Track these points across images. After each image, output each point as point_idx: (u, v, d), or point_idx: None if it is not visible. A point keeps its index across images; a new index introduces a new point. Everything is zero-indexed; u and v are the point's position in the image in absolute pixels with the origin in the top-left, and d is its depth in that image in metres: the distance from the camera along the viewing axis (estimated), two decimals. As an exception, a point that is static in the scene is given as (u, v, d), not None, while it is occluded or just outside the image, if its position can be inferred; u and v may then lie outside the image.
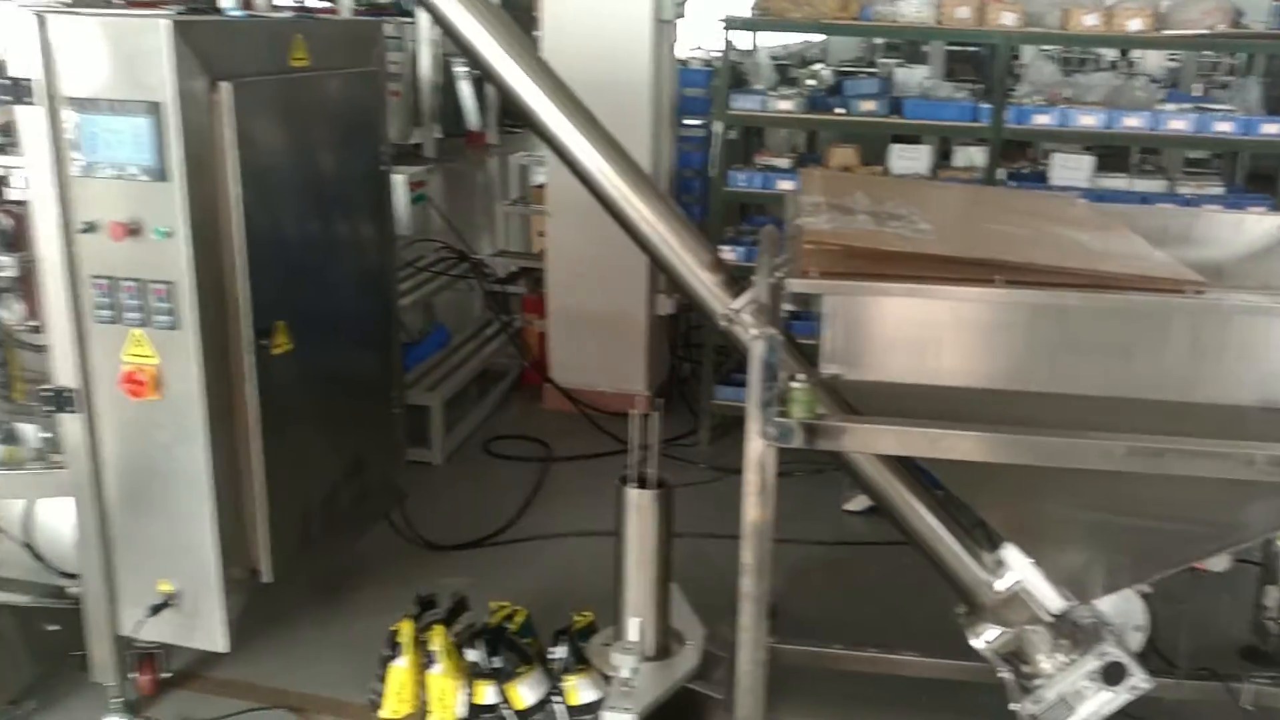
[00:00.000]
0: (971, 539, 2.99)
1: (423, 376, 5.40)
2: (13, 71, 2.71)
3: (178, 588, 3.12)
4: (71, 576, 3.34)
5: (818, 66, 6.63)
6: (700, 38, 8.78)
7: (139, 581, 3.14)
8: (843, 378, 2.61)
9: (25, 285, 3.08)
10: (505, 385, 6.11)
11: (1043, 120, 4.97)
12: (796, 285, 2.51)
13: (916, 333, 2.60)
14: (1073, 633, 2.90)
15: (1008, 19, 4.97)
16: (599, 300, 5.69)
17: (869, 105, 5.15)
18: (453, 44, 3.05)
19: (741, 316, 2.96)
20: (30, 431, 3.11)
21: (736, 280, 3.05)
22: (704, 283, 3.05)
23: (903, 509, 3.01)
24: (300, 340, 3.23)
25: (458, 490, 4.98)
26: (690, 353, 6.28)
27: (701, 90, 6.01)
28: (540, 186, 7.47)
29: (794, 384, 2.52)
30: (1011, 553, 2.91)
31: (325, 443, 3.52)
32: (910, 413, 2.57)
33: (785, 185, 5.17)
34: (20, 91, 2.72)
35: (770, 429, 2.52)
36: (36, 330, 3.15)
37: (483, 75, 3.00)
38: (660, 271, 3.27)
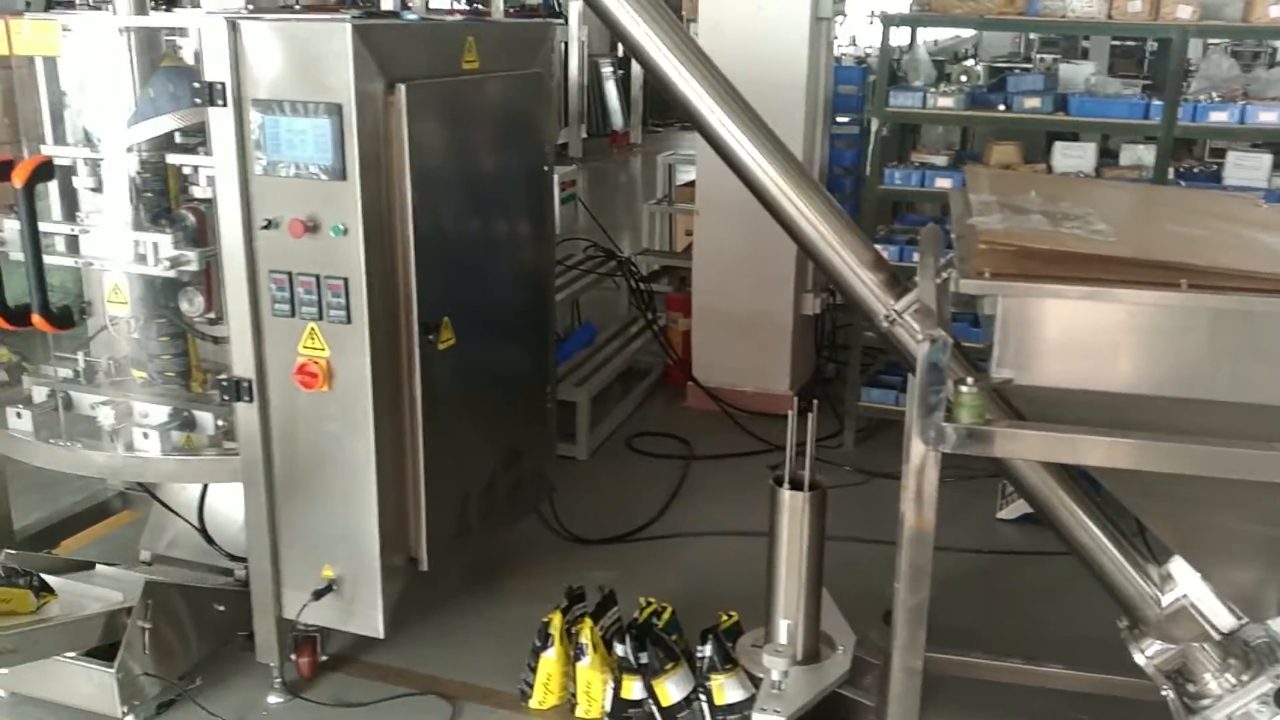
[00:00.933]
0: (1135, 550, 2.88)
1: (570, 372, 5.47)
2: (207, 75, 2.83)
3: (339, 574, 3.22)
4: (239, 560, 3.50)
5: (971, 62, 6.48)
6: (852, 33, 8.65)
7: (303, 566, 3.25)
8: (1014, 382, 2.53)
9: (206, 279, 3.23)
10: (649, 383, 6.14)
11: (1219, 117, 4.74)
12: (969, 286, 2.44)
13: (1093, 337, 2.50)
14: (1244, 653, 2.76)
15: (1183, 12, 4.75)
16: (744, 299, 5.66)
17: (1033, 102, 4.99)
18: (618, 40, 3.06)
19: (905, 318, 2.90)
20: (207, 419, 3.25)
21: (898, 280, 2.99)
22: (865, 282, 2.99)
23: (1066, 518, 2.91)
24: (462, 335, 3.31)
25: (602, 485, 5.03)
26: (835, 353, 6.21)
27: (854, 87, 5.92)
28: (686, 185, 7.49)
29: (963, 388, 2.46)
30: (1180, 566, 2.79)
31: (483, 435, 3.59)
32: (1083, 420, 2.48)
33: (943, 183, 5.06)
34: (213, 95, 2.84)
35: (936, 434, 2.46)
36: (213, 322, 3.31)
37: (645, 71, 3.01)
38: (820, 270, 3.23)
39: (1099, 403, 2.51)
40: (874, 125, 5.12)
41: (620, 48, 16.77)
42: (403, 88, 2.94)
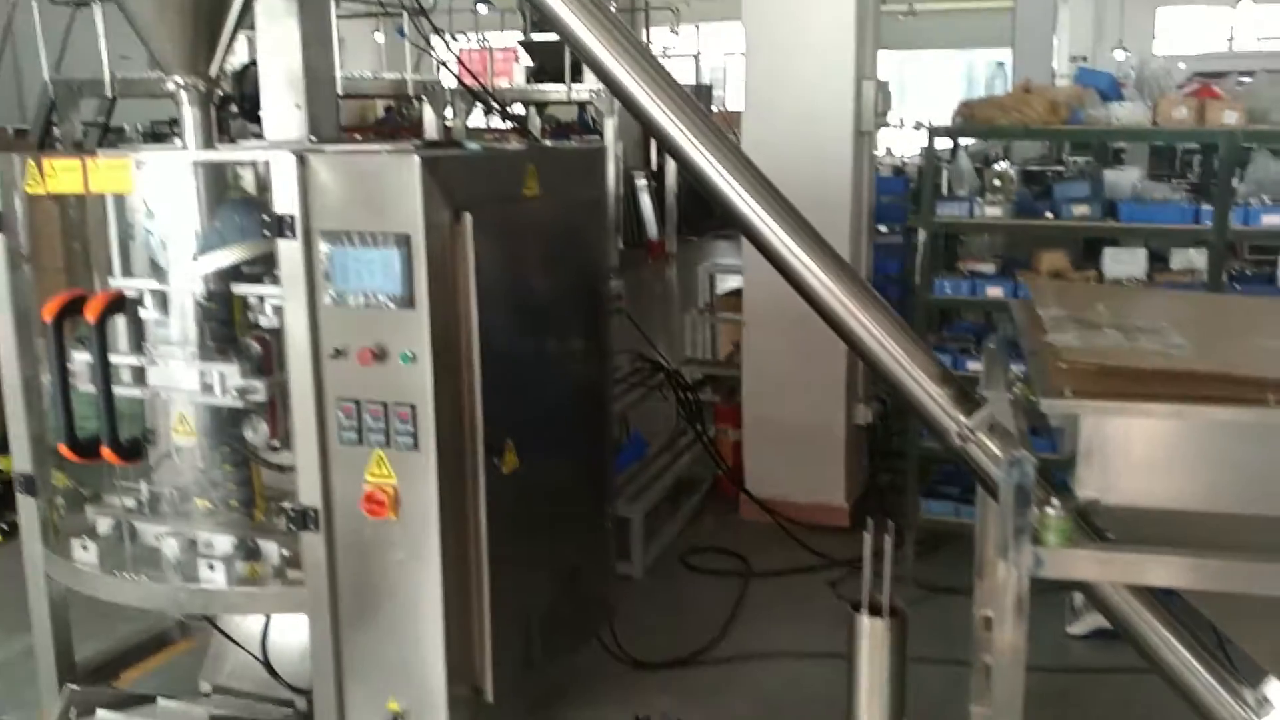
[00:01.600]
0: (1226, 671, 2.77)
1: (622, 488, 5.41)
2: (276, 208, 2.87)
3: (404, 706, 3.14)
4: (301, 691, 3.43)
5: (1005, 164, 6.52)
6: (888, 143, 8.74)
7: (367, 699, 3.18)
8: (1101, 503, 2.47)
9: (270, 407, 3.23)
10: (700, 495, 6.07)
11: (1273, 220, 4.72)
12: (1053, 407, 2.40)
13: (1180, 455, 2.45)
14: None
15: (1230, 117, 4.76)
16: (795, 409, 5.62)
17: (1081, 209, 4.99)
18: (674, 158, 3.09)
19: (979, 435, 2.85)
20: (272, 549, 3.22)
21: (967, 394, 2.94)
22: (934, 397, 2.95)
23: (1150, 637, 2.80)
24: (525, 456, 3.28)
25: (659, 604, 4.93)
26: (889, 462, 6.13)
27: (896, 197, 5.97)
28: (729, 294, 7.52)
29: (1050, 511, 2.39)
30: (1276, 689, 2.68)
31: (545, 559, 3.54)
32: (1171, 539, 2.40)
33: (994, 291, 5.04)
34: (282, 227, 2.88)
35: (1024, 559, 2.39)
36: (276, 449, 3.30)
37: (695, 183, 3.03)
38: (885, 385, 3.19)
39: (1187, 521, 2.44)
40: (920, 235, 5.14)
41: (654, 161, 17.10)
42: (468, 216, 2.98)
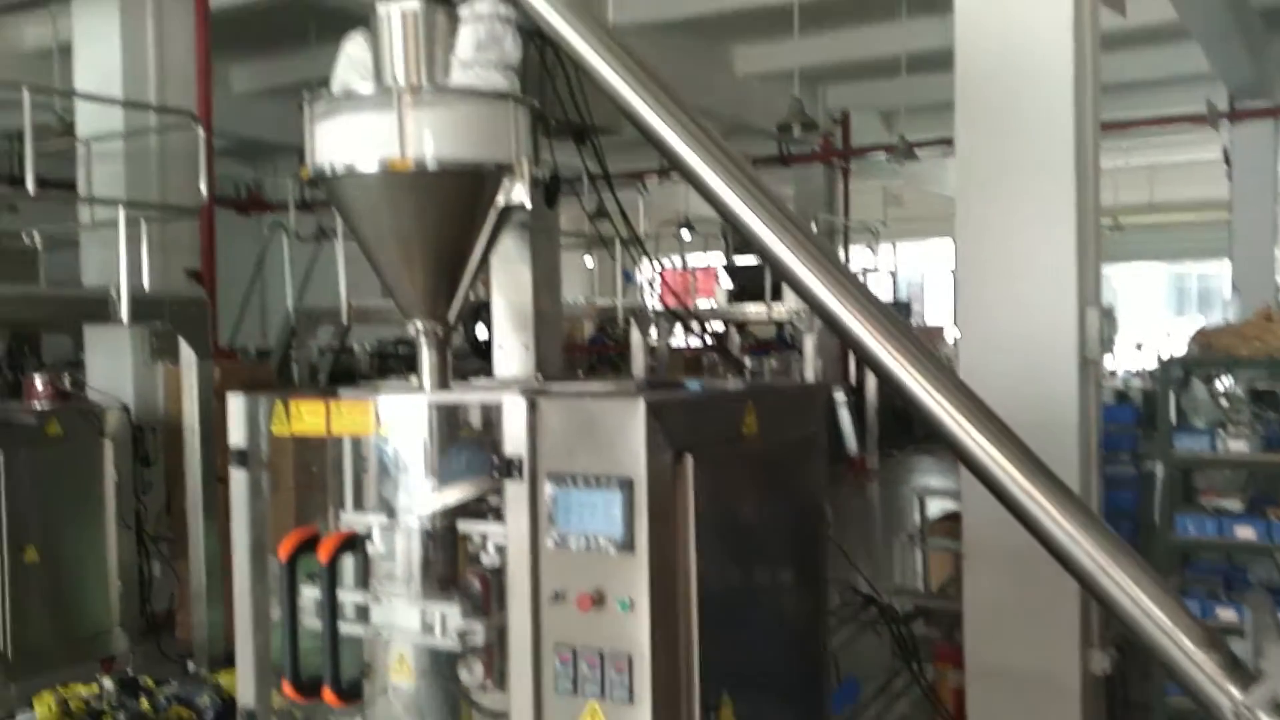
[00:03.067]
0: None
1: (835, 734, 5.10)
2: (506, 450, 2.92)
3: None
4: None
5: (1226, 385, 6.07)
6: (1110, 367, 8.40)
7: None
8: None
9: (486, 648, 3.20)
10: (918, 744, 5.67)
11: None
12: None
13: None
14: None
15: None
16: (1024, 653, 5.22)
17: (1342, 443, 4.60)
18: (875, 374, 3.00)
19: (1258, 715, 2.52)
20: (480, 796, 3.12)
21: (1238, 662, 2.63)
22: (1199, 665, 2.64)
23: None
24: (741, 711, 3.11)
25: None
26: (1131, 715, 5.58)
27: (1124, 425, 5.67)
28: (944, 519, 7.22)
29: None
30: None
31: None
32: None
33: (1243, 532, 4.66)
34: (510, 468, 2.91)
35: None
36: (484, 690, 3.24)
37: (906, 406, 2.91)
38: (1141, 647, 2.90)
39: None
40: (1157, 468, 4.82)
41: (852, 375, 17.03)
42: (690, 458, 2.94)
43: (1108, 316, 5.28)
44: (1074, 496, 2.86)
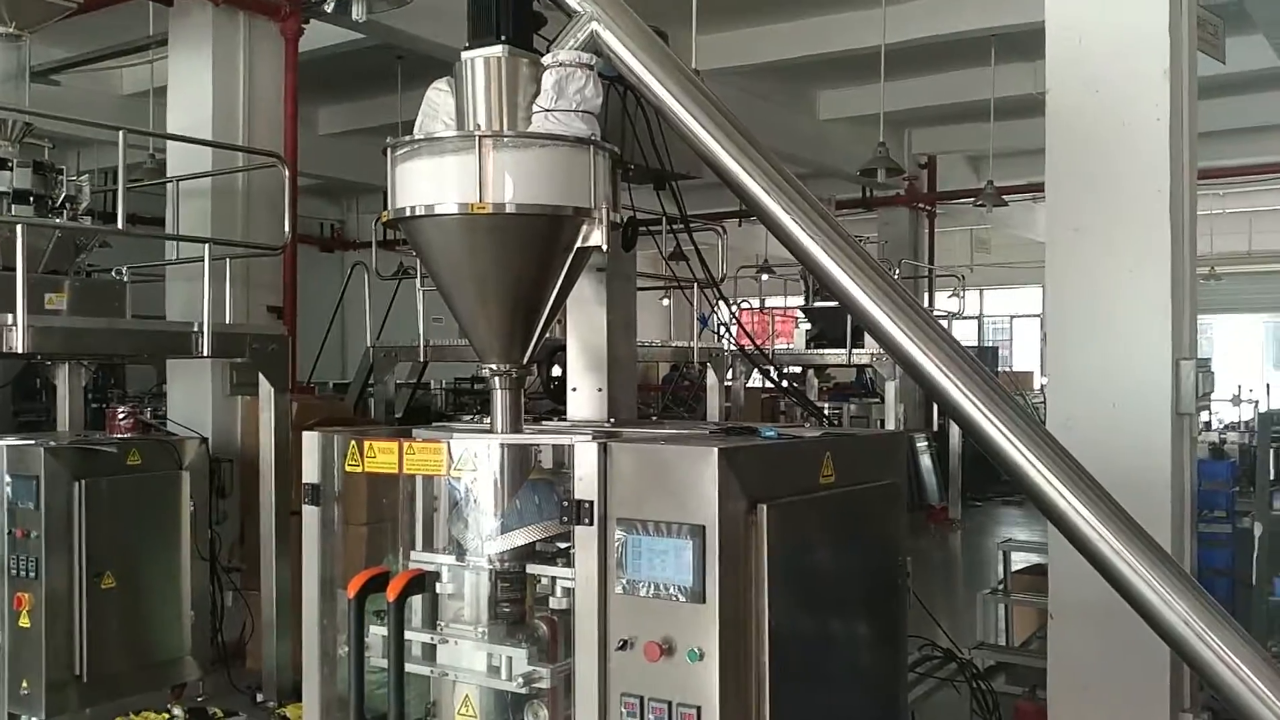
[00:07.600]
0: None
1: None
2: (577, 494, 2.89)
3: None
4: None
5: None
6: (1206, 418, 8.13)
7: None
8: None
9: (552, 693, 3.15)
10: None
11: None
12: None
13: None
14: None
15: None
16: (1109, 713, 5.00)
17: None
18: (960, 426, 2.93)
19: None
20: None
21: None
22: (1298, 735, 2.51)
23: None
24: (812, 769, 3.02)
25: None
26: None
27: (1221, 482, 5.45)
28: (1027, 571, 7.00)
29: None
30: None
31: None
32: None
33: (1348, 598, 4.42)
34: (580, 513, 2.88)
35: None
36: (550, 733, 3.19)
37: (991, 458, 2.83)
38: (1237, 714, 2.75)
39: None
40: (1256, 529, 4.62)
41: (935, 422, 16.71)
42: (764, 508, 2.88)
43: (1203, 369, 5.09)
44: (1166, 556, 2.75)
